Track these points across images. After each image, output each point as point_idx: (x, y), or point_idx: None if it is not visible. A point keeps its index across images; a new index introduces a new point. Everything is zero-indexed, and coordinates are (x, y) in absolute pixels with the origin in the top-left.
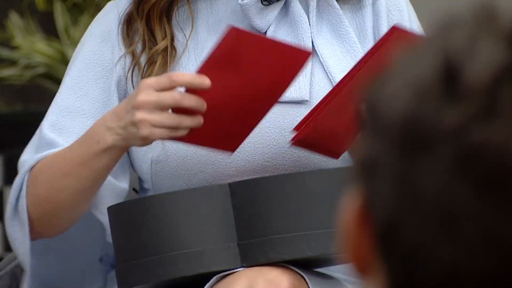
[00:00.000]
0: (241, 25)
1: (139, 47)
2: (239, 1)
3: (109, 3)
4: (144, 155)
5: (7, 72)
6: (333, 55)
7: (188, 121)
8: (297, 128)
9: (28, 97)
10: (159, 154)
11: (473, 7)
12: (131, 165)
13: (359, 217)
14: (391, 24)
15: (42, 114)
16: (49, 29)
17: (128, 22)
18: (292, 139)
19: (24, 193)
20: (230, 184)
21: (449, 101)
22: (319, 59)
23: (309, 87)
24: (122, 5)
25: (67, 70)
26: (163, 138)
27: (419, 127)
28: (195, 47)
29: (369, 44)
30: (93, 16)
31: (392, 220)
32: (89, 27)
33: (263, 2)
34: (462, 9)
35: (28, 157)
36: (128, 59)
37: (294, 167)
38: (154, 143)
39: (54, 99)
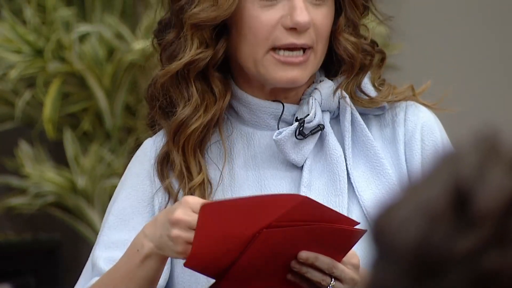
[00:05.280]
0: (277, 160)
1: (174, 184)
2: (273, 137)
3: (146, 141)
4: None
5: (17, 200)
6: (369, 189)
7: None
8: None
9: (38, 225)
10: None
11: (476, 136)
12: None
13: None
14: (424, 155)
15: (51, 243)
16: (58, 158)
17: (162, 162)
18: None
19: None
20: None
21: (461, 227)
22: (355, 193)
23: None
24: (159, 141)
25: (109, 209)
26: None
27: (431, 253)
28: (231, 183)
29: (404, 175)
30: (102, 145)
31: None
32: (129, 165)
33: (298, 137)
34: (466, 138)
35: None
36: (165, 194)
37: None
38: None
39: (99, 237)
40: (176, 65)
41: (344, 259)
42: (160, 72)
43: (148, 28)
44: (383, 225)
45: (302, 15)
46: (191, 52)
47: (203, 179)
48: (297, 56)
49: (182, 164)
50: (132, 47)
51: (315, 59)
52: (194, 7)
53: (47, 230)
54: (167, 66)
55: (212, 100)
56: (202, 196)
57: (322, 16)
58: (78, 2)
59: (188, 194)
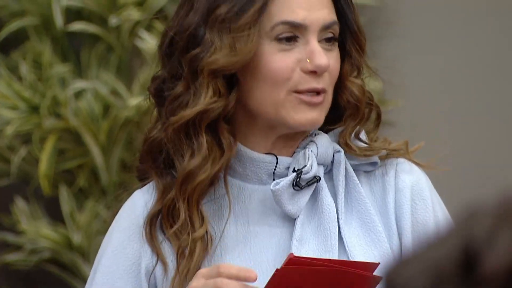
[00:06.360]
0: (271, 213)
1: (165, 246)
2: (271, 187)
3: (135, 193)
4: None
5: (13, 257)
6: (359, 245)
7: None
8: None
9: (33, 282)
10: None
11: (497, 198)
12: None
13: None
14: (415, 215)
15: None
16: (54, 214)
17: (151, 222)
18: None
19: None
20: None
21: (466, 286)
22: (346, 249)
23: None
24: (149, 195)
25: (96, 263)
26: None
27: None
28: (220, 239)
29: (393, 232)
30: (98, 201)
31: None
32: (117, 217)
33: (295, 188)
34: (487, 199)
35: None
36: (153, 255)
37: None
38: None
39: None
40: (191, 111)
41: None
42: (172, 118)
43: (144, 84)
44: (392, 281)
45: (322, 59)
46: (206, 100)
47: (206, 231)
48: (317, 97)
49: (186, 214)
50: (128, 104)
51: (327, 102)
52: (210, 55)
53: (43, 286)
54: (180, 113)
55: (219, 153)
56: (204, 249)
57: (334, 60)
58: (73, 59)
59: (190, 246)
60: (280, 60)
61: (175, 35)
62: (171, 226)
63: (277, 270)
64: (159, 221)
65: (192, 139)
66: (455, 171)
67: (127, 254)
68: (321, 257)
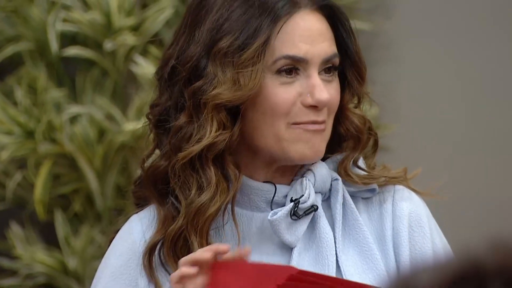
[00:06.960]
0: (269, 242)
1: (162, 276)
2: (269, 217)
3: (132, 217)
4: None
5: (8, 282)
6: (356, 273)
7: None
8: None
9: None
10: None
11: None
12: None
13: None
14: (413, 242)
15: None
16: (49, 239)
17: (151, 252)
18: None
19: None
20: None
21: None
22: (343, 276)
23: None
24: (147, 221)
25: (93, 286)
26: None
27: None
28: None
29: (391, 260)
30: (93, 226)
31: None
32: (114, 241)
33: (292, 217)
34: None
35: None
36: (151, 283)
37: None
38: None
39: None
40: (198, 146)
41: None
42: (180, 154)
43: (139, 109)
44: None
45: (323, 93)
46: (211, 134)
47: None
48: (319, 125)
49: (198, 247)
50: (123, 128)
51: (328, 132)
52: (213, 89)
53: None
54: (189, 148)
55: (226, 185)
56: None
57: (334, 92)
58: (69, 84)
59: None
60: (280, 94)
61: (177, 65)
62: (177, 256)
63: (277, 286)
64: (157, 249)
65: (199, 172)
66: (452, 197)
67: (125, 280)
68: (323, 274)
